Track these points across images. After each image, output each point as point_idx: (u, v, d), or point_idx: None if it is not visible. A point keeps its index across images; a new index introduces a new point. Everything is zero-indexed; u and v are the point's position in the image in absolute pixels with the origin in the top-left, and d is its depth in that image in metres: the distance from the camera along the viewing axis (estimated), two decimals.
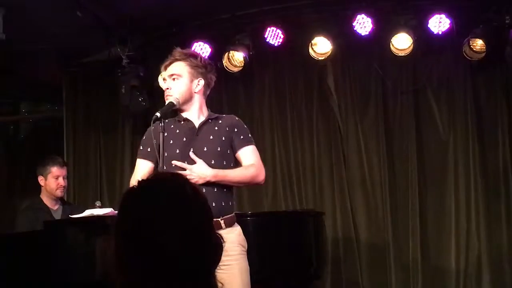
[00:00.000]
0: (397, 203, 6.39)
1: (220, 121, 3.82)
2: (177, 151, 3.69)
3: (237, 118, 3.90)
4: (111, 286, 1.70)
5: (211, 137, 3.73)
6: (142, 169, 3.77)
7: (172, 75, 3.78)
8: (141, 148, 3.86)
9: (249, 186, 3.94)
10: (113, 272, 1.64)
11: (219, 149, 3.71)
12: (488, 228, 6.11)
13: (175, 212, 1.63)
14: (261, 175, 3.81)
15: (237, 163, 3.79)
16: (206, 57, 6.32)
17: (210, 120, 3.80)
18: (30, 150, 8.39)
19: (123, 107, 6.88)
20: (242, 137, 3.79)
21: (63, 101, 7.60)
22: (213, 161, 3.66)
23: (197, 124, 3.77)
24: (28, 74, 7.37)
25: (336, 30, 6.25)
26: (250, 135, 3.86)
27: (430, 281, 6.22)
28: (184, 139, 3.73)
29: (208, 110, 3.88)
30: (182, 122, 3.80)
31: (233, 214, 3.70)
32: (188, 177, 3.23)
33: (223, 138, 3.73)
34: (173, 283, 1.59)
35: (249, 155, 3.78)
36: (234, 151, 3.78)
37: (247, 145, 3.79)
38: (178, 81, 3.77)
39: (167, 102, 3.75)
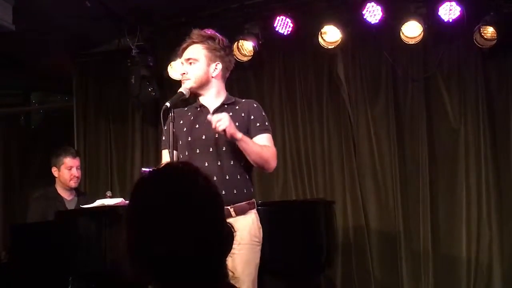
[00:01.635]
0: (408, 191, 6.38)
1: (237, 107, 3.75)
2: (189, 139, 3.67)
3: (255, 105, 3.80)
4: (122, 275, 1.71)
5: None
6: (168, 159, 3.73)
7: (188, 59, 3.72)
8: (163, 138, 3.82)
9: (259, 170, 3.84)
10: (124, 262, 1.65)
11: None
12: (499, 217, 6.08)
13: (186, 201, 1.63)
14: (273, 162, 3.73)
15: None
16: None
17: (225, 105, 3.74)
18: (41, 140, 8.43)
19: (133, 97, 6.89)
20: (258, 124, 3.71)
21: (73, 91, 7.62)
22: (224, 147, 3.62)
23: (211, 110, 3.73)
24: (38, 64, 7.38)
25: (345, 19, 6.23)
26: (267, 123, 3.77)
27: (441, 269, 6.21)
28: (197, 126, 3.70)
29: (226, 94, 3.81)
30: (198, 109, 3.76)
31: (245, 202, 3.62)
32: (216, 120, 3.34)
33: (237, 124, 3.61)
34: (184, 272, 1.59)
35: (263, 143, 3.70)
36: (250, 137, 3.68)
37: (262, 133, 3.71)
38: (195, 66, 3.70)
39: (182, 86, 3.70)
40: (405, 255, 6.29)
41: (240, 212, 3.59)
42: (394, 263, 6.32)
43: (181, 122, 3.71)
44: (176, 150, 3.73)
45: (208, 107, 3.74)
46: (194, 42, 3.73)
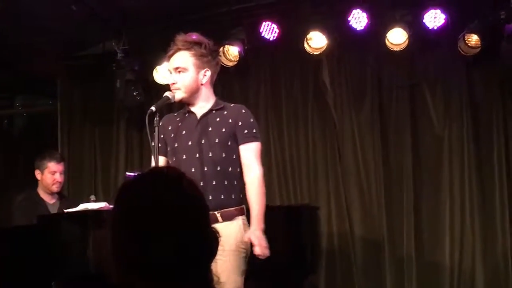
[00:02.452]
0: (392, 198, 6.40)
1: (225, 112, 3.72)
2: (176, 145, 3.66)
3: (243, 111, 3.77)
4: (106, 279, 1.70)
5: (210, 129, 3.65)
6: (159, 164, 3.70)
7: (177, 68, 3.67)
8: (152, 144, 3.81)
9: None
10: (108, 266, 1.64)
11: (217, 141, 3.62)
12: (482, 224, 6.11)
13: (172, 205, 1.62)
14: (262, 179, 3.71)
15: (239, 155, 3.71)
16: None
17: (214, 111, 3.71)
18: (25, 144, 8.38)
19: (118, 101, 6.87)
20: (245, 131, 3.69)
21: (57, 95, 7.58)
22: (210, 153, 3.60)
23: (199, 116, 3.71)
24: (23, 68, 7.35)
25: (331, 25, 6.24)
26: (255, 130, 3.74)
27: (424, 276, 6.23)
28: (184, 132, 3.69)
29: (215, 99, 3.78)
30: (187, 115, 3.75)
31: (233, 208, 3.60)
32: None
33: (223, 130, 3.63)
34: (168, 276, 1.59)
35: (248, 154, 3.67)
36: (237, 144, 3.68)
37: (250, 141, 3.69)
38: (184, 75, 3.67)
39: (170, 92, 3.68)
40: (389, 260, 6.30)
41: (227, 217, 3.57)
42: (378, 268, 6.33)
43: (170, 128, 3.69)
44: (166, 156, 3.73)
45: (195, 113, 3.73)
46: (180, 49, 3.68)
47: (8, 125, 9.06)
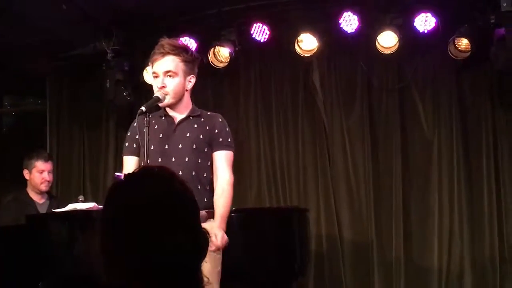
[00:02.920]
0: (381, 201, 6.41)
1: (202, 119, 3.77)
2: (152, 147, 3.65)
3: (220, 119, 3.82)
4: (95, 280, 1.69)
5: (188, 134, 3.69)
6: (130, 165, 3.73)
7: (168, 71, 3.65)
8: (126, 144, 3.82)
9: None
10: (97, 266, 1.63)
11: (194, 147, 3.66)
12: (470, 228, 6.13)
13: (163, 206, 1.61)
14: (232, 185, 3.76)
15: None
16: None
17: (191, 117, 3.75)
18: (13, 143, 8.33)
19: (108, 101, 6.84)
20: (221, 139, 3.75)
21: (46, 94, 7.54)
22: (187, 158, 3.64)
23: (177, 121, 3.73)
24: (12, 66, 7.30)
25: (322, 27, 6.25)
26: (230, 139, 3.80)
27: (412, 279, 6.24)
28: (161, 135, 3.69)
29: (192, 105, 3.82)
30: (163, 118, 3.75)
31: (205, 211, 3.61)
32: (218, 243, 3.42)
33: (201, 136, 3.69)
34: (160, 278, 1.57)
35: (221, 161, 3.73)
36: (212, 150, 3.74)
37: (224, 149, 3.75)
38: (174, 80, 3.67)
39: (158, 94, 3.65)
40: (378, 264, 6.31)
41: (202, 220, 3.59)
42: (367, 271, 6.34)
43: (142, 133, 3.63)
44: (138, 157, 3.73)
45: (173, 117, 3.75)
46: (169, 53, 3.65)
47: None
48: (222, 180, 3.72)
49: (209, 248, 3.36)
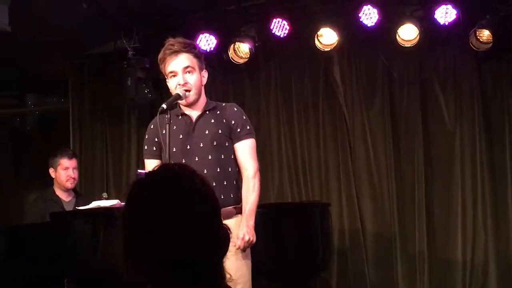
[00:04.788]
0: (404, 194, 6.38)
1: (218, 112, 3.75)
2: (174, 149, 3.65)
3: (235, 109, 3.81)
4: (118, 277, 1.70)
5: (207, 132, 3.68)
6: (151, 168, 3.71)
7: (187, 67, 3.66)
8: (145, 148, 3.81)
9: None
10: (120, 264, 1.64)
11: (215, 143, 3.66)
12: (494, 220, 6.09)
13: (185, 203, 1.62)
14: (258, 178, 3.75)
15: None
16: (212, 48, 6.36)
17: (207, 112, 3.74)
18: (36, 142, 8.40)
19: (129, 99, 6.88)
20: (239, 130, 3.73)
21: (69, 93, 7.60)
22: (210, 156, 3.63)
23: (194, 118, 3.72)
24: (34, 66, 7.37)
25: (342, 21, 6.23)
26: (249, 127, 3.78)
27: (436, 272, 6.21)
28: (181, 136, 3.69)
29: (206, 100, 3.80)
30: (180, 117, 3.74)
31: (232, 207, 3.64)
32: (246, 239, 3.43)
33: (220, 131, 3.68)
34: (181, 274, 1.59)
35: (244, 151, 3.72)
36: (233, 143, 3.73)
37: (245, 138, 3.73)
38: (194, 75, 3.68)
39: (180, 92, 3.65)
40: (401, 257, 6.29)
41: (227, 216, 3.57)
42: (390, 265, 6.32)
43: (164, 132, 3.63)
44: (159, 159, 3.73)
45: (190, 116, 3.74)
46: (181, 51, 3.66)
47: (19, 123, 9.10)
48: (248, 172, 3.70)
49: (234, 247, 3.39)
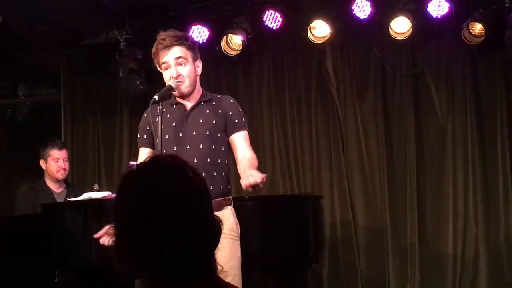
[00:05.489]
0: (395, 187, 6.40)
1: (213, 103, 3.73)
2: (167, 137, 3.65)
3: (231, 100, 3.80)
4: (109, 269, 1.70)
5: (201, 121, 3.66)
6: (144, 156, 3.70)
7: (179, 58, 3.64)
8: (138, 136, 3.82)
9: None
10: (112, 255, 1.64)
11: (207, 133, 3.63)
12: (485, 213, 6.12)
13: (176, 194, 1.62)
14: (256, 159, 3.70)
15: (229, 147, 3.72)
16: (204, 40, 6.34)
17: (202, 103, 3.72)
18: (28, 133, 8.38)
19: (121, 91, 6.87)
20: (236, 121, 3.71)
21: (61, 84, 7.58)
22: (201, 145, 3.61)
23: (188, 108, 3.71)
24: (26, 57, 7.34)
25: (335, 14, 6.23)
26: (244, 119, 3.76)
27: (427, 265, 6.24)
28: (174, 123, 3.68)
29: (202, 90, 3.79)
30: (174, 106, 3.73)
31: (222, 198, 3.61)
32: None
33: (214, 122, 3.66)
34: (172, 266, 1.59)
35: (241, 141, 3.70)
36: (227, 134, 3.70)
37: (241, 130, 3.71)
38: (187, 67, 3.66)
39: (172, 84, 3.62)
40: (392, 250, 6.31)
41: (216, 208, 3.52)
42: (381, 258, 6.34)
43: (157, 120, 3.60)
44: (151, 148, 3.72)
45: (185, 105, 3.72)
46: (173, 45, 3.64)
47: (11, 114, 9.07)
48: (246, 155, 3.65)
49: (225, 239, 3.36)
